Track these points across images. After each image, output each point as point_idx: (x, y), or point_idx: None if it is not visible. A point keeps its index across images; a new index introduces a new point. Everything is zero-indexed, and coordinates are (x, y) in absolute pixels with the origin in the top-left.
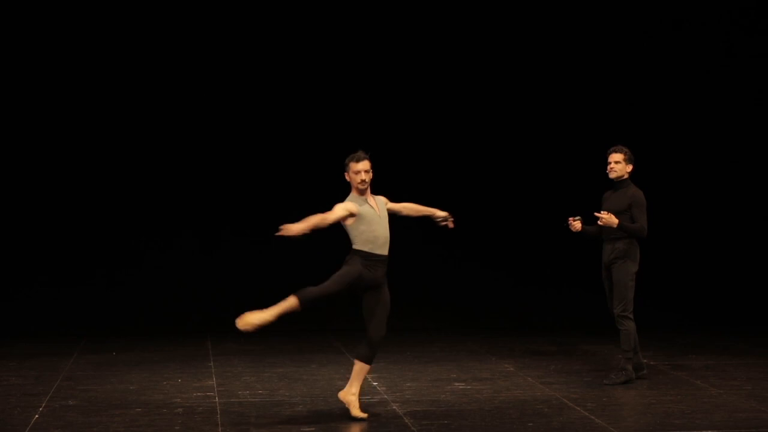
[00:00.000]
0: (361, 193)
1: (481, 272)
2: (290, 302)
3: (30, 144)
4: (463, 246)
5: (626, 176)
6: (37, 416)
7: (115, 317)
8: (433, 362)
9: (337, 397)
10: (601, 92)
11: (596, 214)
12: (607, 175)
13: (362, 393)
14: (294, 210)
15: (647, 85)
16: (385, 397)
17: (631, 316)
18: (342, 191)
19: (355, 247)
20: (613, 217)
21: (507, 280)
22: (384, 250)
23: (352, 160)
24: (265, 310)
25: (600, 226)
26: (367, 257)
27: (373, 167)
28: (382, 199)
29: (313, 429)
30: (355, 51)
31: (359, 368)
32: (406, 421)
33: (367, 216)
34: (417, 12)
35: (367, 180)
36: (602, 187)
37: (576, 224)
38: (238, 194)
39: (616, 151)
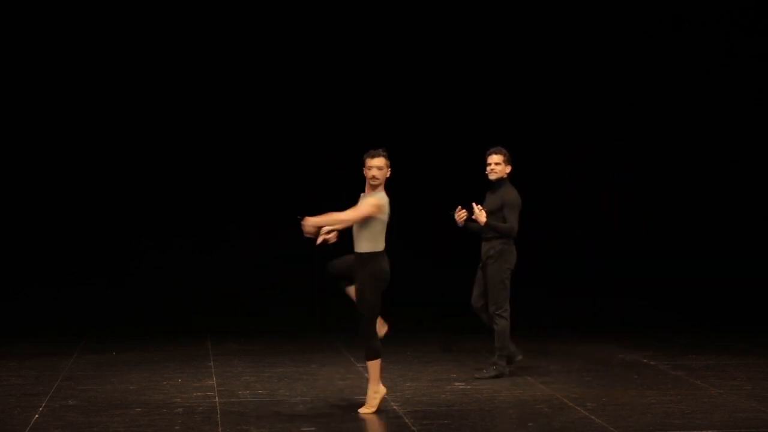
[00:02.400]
0: (373, 188)
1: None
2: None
3: (30, 145)
4: (463, 246)
5: (505, 177)
6: (37, 416)
7: (115, 317)
8: (433, 362)
9: (336, 397)
10: (602, 92)
11: (474, 205)
12: (486, 175)
13: (362, 393)
14: (293, 210)
15: (647, 85)
16: (385, 396)
17: (505, 315)
18: (345, 192)
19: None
20: (483, 214)
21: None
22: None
23: (367, 155)
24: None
25: (479, 223)
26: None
27: (390, 166)
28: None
29: (313, 429)
30: (354, 53)
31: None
32: (406, 421)
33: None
34: (415, 13)
35: (378, 176)
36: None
37: (462, 214)
38: (238, 195)
39: (495, 153)
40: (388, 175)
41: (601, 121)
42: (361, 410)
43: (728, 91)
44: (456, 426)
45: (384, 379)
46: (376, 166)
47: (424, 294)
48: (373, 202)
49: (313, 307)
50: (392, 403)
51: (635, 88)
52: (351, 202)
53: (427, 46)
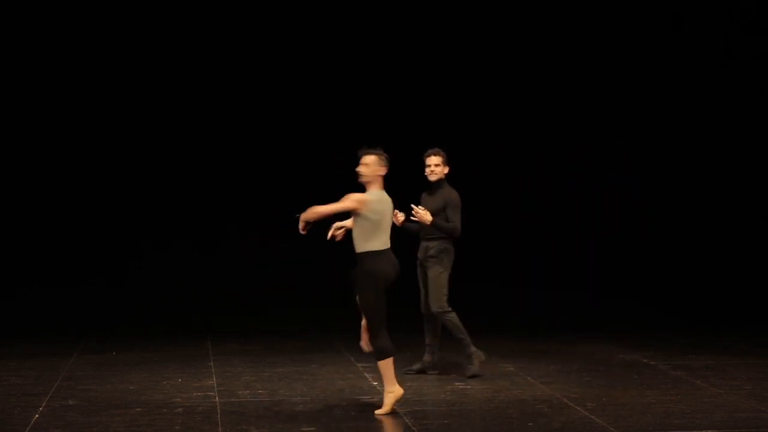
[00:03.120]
0: (370, 186)
1: (482, 272)
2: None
3: (30, 145)
4: (463, 246)
5: (443, 177)
6: (37, 416)
7: (115, 317)
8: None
9: (336, 397)
10: (602, 92)
11: (413, 207)
12: (426, 177)
13: (362, 393)
14: (294, 210)
15: (647, 85)
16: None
17: (449, 309)
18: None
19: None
20: (428, 214)
21: (507, 281)
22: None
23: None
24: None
25: (420, 224)
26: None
27: (389, 164)
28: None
29: (313, 429)
30: (354, 54)
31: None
32: (406, 420)
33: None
34: (413, 13)
35: (363, 173)
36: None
37: (399, 217)
38: (238, 195)
39: (434, 154)
40: (382, 173)
41: (601, 121)
42: (377, 412)
43: (728, 91)
44: (456, 426)
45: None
46: (363, 163)
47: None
48: (355, 197)
49: (313, 307)
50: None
51: (635, 88)
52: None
53: (427, 47)
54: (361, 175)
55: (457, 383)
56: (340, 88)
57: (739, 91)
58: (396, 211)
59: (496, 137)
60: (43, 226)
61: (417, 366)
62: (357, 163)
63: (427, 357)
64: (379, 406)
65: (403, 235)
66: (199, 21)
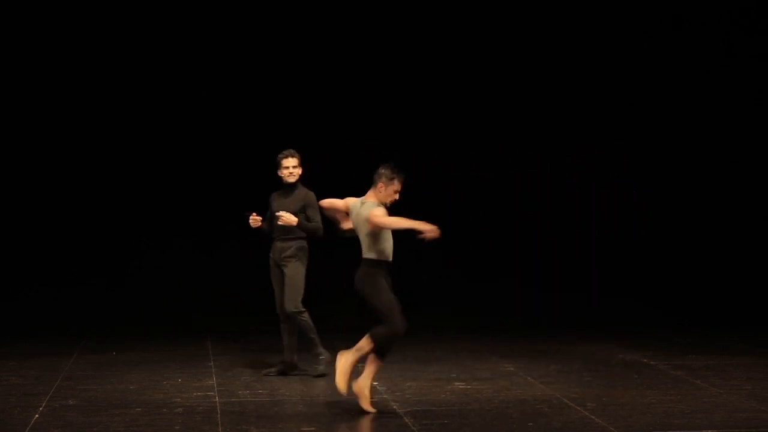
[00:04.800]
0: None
1: (481, 272)
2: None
3: (30, 145)
4: (463, 247)
5: (299, 178)
6: (37, 416)
7: (115, 317)
8: (433, 362)
9: (336, 397)
10: (602, 92)
11: (278, 213)
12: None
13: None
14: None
15: (647, 85)
16: (385, 396)
17: (303, 309)
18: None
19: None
20: (292, 216)
21: (508, 281)
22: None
23: (399, 177)
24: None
25: (272, 224)
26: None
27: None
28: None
29: (313, 429)
30: (350, 57)
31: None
32: (406, 420)
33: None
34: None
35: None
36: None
37: (258, 220)
38: (238, 195)
39: (292, 156)
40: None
41: (601, 121)
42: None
43: (728, 91)
44: (456, 426)
45: (384, 378)
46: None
47: (425, 294)
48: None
49: (313, 307)
50: (392, 403)
51: (635, 88)
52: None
53: (427, 47)
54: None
55: (457, 383)
56: (338, 89)
57: (739, 91)
58: (254, 213)
59: (497, 137)
60: (44, 226)
61: (277, 368)
62: (356, 166)
63: (286, 358)
64: (380, 406)
65: (258, 237)
66: (200, 24)
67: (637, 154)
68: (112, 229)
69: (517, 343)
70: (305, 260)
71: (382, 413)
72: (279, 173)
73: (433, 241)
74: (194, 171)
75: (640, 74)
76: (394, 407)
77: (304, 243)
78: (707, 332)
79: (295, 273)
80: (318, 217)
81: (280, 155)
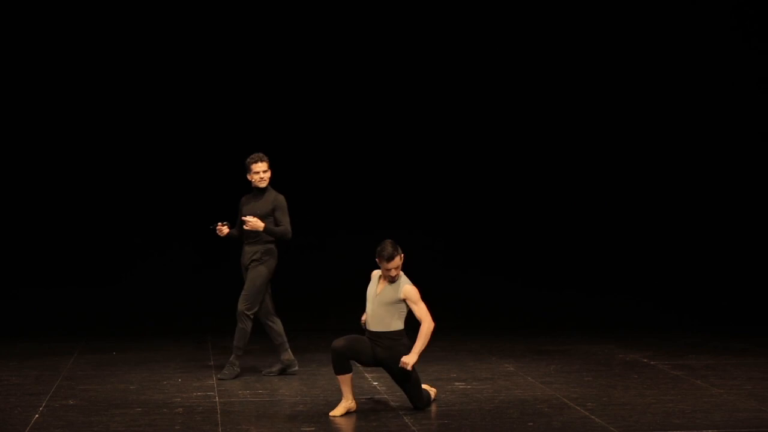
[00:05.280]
0: (391, 282)
1: (482, 272)
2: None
3: (31, 145)
4: (463, 247)
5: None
6: (37, 416)
7: (115, 317)
8: (433, 362)
9: (336, 397)
10: (602, 92)
11: (244, 219)
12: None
13: (362, 393)
14: (293, 211)
15: (647, 84)
16: (385, 396)
17: (252, 316)
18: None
19: None
20: (258, 221)
21: (507, 281)
22: (371, 326)
23: (382, 258)
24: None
25: (241, 229)
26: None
27: (402, 256)
28: (406, 288)
29: (313, 429)
30: (348, 58)
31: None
32: (406, 420)
33: (369, 289)
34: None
35: (396, 275)
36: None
37: (224, 229)
38: (238, 195)
39: (262, 160)
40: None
41: (601, 122)
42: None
43: (728, 91)
44: (456, 426)
45: (385, 378)
46: (394, 267)
47: (424, 294)
48: (418, 295)
49: (313, 307)
50: (392, 403)
51: (635, 88)
52: (351, 203)
53: (427, 47)
54: (394, 277)
55: (457, 383)
56: (338, 91)
57: (739, 91)
58: (219, 223)
59: (497, 135)
60: (44, 226)
61: (277, 367)
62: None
63: (284, 356)
64: (380, 406)
65: (233, 244)
66: (200, 25)
67: (637, 154)
68: (112, 229)
69: (517, 343)
70: (272, 263)
71: (383, 413)
72: (249, 177)
73: None
74: (195, 172)
75: (640, 74)
76: (395, 407)
77: (272, 246)
78: (707, 332)
79: (257, 275)
80: (287, 220)
81: (249, 159)
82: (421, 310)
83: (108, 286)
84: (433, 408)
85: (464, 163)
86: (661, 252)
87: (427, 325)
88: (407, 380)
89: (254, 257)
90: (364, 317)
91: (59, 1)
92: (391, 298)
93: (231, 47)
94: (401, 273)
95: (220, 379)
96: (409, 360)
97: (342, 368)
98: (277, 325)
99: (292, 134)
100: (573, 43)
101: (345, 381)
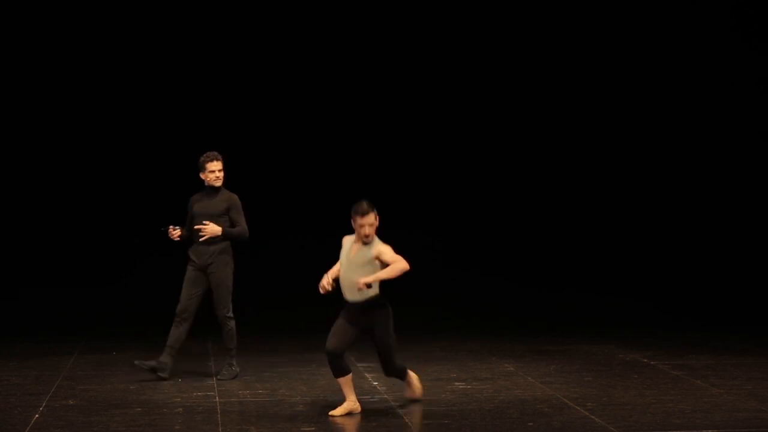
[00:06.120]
0: (365, 244)
1: (482, 272)
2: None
3: (31, 146)
4: (463, 247)
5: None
6: (37, 416)
7: (115, 317)
8: (433, 362)
9: (336, 397)
10: (602, 92)
11: (199, 227)
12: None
13: (363, 393)
14: (291, 212)
15: (647, 84)
16: (385, 396)
17: (233, 315)
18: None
19: None
20: (215, 227)
21: (507, 281)
22: (347, 294)
23: (357, 213)
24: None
25: (192, 228)
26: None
27: (378, 216)
28: (378, 249)
29: (313, 429)
30: (347, 59)
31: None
32: (406, 420)
33: (341, 256)
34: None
35: (371, 234)
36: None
37: (176, 233)
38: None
39: (218, 159)
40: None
41: (601, 122)
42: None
43: (728, 91)
44: (456, 426)
45: (384, 378)
46: (368, 223)
47: (425, 294)
48: (391, 249)
49: (313, 307)
50: (392, 403)
51: (635, 88)
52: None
53: (428, 50)
54: (368, 236)
55: (457, 383)
56: (335, 97)
57: (739, 91)
58: (171, 226)
59: (497, 134)
60: (44, 226)
61: (151, 363)
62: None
63: (165, 358)
64: (380, 406)
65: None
66: (201, 26)
67: (637, 154)
68: (112, 229)
69: (517, 343)
70: (231, 262)
71: (383, 413)
72: (202, 176)
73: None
74: (195, 172)
75: (640, 74)
76: (395, 407)
77: (227, 245)
78: (707, 332)
79: (224, 277)
80: (242, 220)
81: (204, 158)
82: (396, 256)
83: (108, 286)
84: (433, 408)
85: (464, 163)
86: (661, 252)
87: (402, 265)
88: (384, 344)
89: (212, 258)
90: (326, 281)
91: (60, 4)
92: (364, 258)
93: (232, 49)
94: (375, 237)
95: (219, 380)
96: (363, 279)
97: (340, 370)
98: (183, 331)
99: (293, 135)
100: (573, 43)
101: (345, 383)
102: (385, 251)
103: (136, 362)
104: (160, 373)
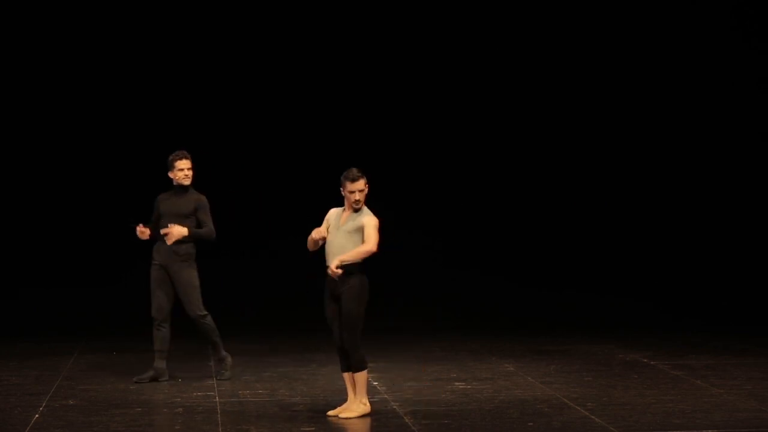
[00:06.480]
0: (355, 211)
1: (482, 272)
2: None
3: (31, 146)
4: (463, 247)
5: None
6: (37, 416)
7: (115, 317)
8: (433, 362)
9: (336, 397)
10: (601, 92)
11: (164, 230)
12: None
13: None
14: (291, 212)
15: (648, 84)
16: (385, 396)
17: (206, 312)
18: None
19: None
20: (181, 229)
21: (507, 281)
22: (329, 261)
23: (347, 179)
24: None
25: (158, 227)
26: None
27: (368, 183)
28: (366, 219)
29: (313, 429)
30: (347, 60)
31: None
32: (406, 420)
33: (330, 223)
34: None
35: (361, 199)
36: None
37: (146, 232)
38: (237, 196)
39: (186, 157)
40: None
41: (601, 122)
42: (333, 413)
43: (728, 91)
44: (456, 426)
45: (384, 378)
46: (358, 189)
47: (425, 294)
48: (377, 225)
49: (312, 307)
50: (392, 403)
51: (636, 88)
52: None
53: (428, 50)
54: (358, 201)
55: (457, 383)
56: (335, 97)
57: (739, 91)
58: (141, 225)
59: (497, 134)
60: (44, 226)
61: (149, 374)
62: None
63: (159, 365)
64: (380, 406)
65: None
66: (201, 26)
67: (637, 154)
68: (112, 228)
69: (517, 343)
70: (194, 262)
71: (383, 413)
72: (171, 175)
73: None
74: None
75: (639, 74)
76: (394, 407)
77: (191, 245)
78: (707, 332)
79: (191, 277)
80: (210, 221)
81: (173, 156)
82: (370, 236)
83: (108, 286)
84: (433, 408)
85: (464, 163)
86: (661, 252)
87: (367, 247)
88: (346, 310)
89: (176, 258)
90: (316, 237)
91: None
92: (353, 226)
93: (232, 46)
94: (365, 207)
95: (220, 380)
96: (333, 265)
97: (343, 365)
98: (166, 332)
99: (293, 135)
100: (573, 44)
101: (347, 379)
102: (368, 225)
103: (135, 379)
104: (160, 380)
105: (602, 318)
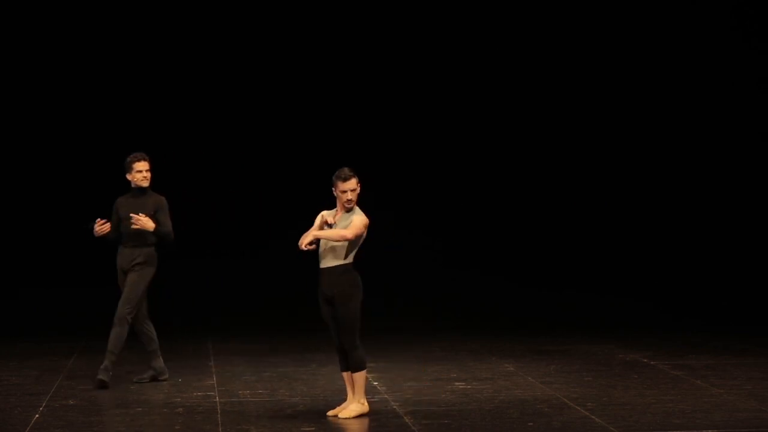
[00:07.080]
0: (347, 211)
1: (482, 272)
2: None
3: (31, 146)
4: (463, 247)
5: None
6: (37, 416)
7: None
8: (433, 362)
9: (336, 397)
10: (601, 92)
11: (133, 216)
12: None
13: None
14: (290, 212)
15: (648, 84)
16: (385, 396)
17: (131, 320)
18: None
19: None
20: (149, 220)
21: (507, 281)
22: (322, 262)
23: (338, 178)
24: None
25: (119, 231)
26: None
27: (360, 182)
28: (356, 217)
29: (313, 429)
30: (347, 61)
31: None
32: (406, 420)
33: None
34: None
35: (353, 199)
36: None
37: (105, 227)
38: (237, 196)
39: (145, 159)
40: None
41: (601, 122)
42: (333, 413)
43: (728, 91)
44: (456, 426)
45: (385, 378)
46: (350, 188)
47: (425, 294)
48: (365, 222)
49: (312, 307)
50: (392, 403)
51: (636, 88)
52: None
53: (428, 50)
54: (350, 201)
55: (457, 383)
56: (335, 97)
57: (739, 90)
58: (99, 220)
59: (498, 134)
60: (45, 227)
61: (149, 374)
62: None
63: (156, 363)
64: (380, 406)
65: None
66: (201, 27)
67: (637, 154)
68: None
69: (517, 343)
70: (153, 268)
71: (383, 413)
72: (129, 177)
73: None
74: (194, 172)
75: (640, 74)
76: (394, 407)
77: (153, 250)
78: (707, 332)
79: (139, 280)
80: (169, 222)
81: (131, 158)
82: (353, 225)
83: (108, 286)
84: (434, 408)
85: (464, 163)
86: (661, 252)
87: (343, 232)
88: (341, 320)
89: (137, 261)
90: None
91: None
92: (345, 225)
93: (232, 47)
94: (357, 207)
95: (135, 381)
96: (305, 239)
97: (342, 364)
98: (151, 331)
99: (293, 135)
100: (573, 44)
101: (346, 378)
102: (356, 219)
103: (135, 379)
104: (161, 378)
105: (602, 318)
